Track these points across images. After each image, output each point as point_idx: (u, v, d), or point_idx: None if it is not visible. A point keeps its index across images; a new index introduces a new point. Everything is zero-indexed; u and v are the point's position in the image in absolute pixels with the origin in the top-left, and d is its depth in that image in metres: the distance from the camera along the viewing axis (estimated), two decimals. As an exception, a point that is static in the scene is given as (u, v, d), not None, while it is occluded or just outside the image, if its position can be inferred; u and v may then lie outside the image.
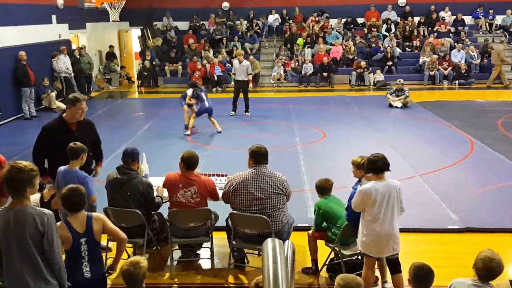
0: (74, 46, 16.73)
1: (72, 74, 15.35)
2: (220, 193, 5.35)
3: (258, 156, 5.03)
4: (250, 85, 13.41)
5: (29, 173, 3.19)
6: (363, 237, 4.47)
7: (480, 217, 6.37)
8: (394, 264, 4.55)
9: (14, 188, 3.17)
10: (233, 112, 13.15)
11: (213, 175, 5.99)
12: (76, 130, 5.45)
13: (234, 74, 12.93)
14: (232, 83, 13.31)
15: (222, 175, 6.01)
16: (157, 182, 5.63)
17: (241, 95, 12.95)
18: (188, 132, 11.08)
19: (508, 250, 5.74)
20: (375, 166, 4.41)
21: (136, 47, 21.45)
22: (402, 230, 5.08)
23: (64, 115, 5.49)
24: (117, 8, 11.96)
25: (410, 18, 20.19)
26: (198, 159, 5.19)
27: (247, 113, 13.05)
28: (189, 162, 5.12)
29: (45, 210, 3.27)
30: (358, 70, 17.77)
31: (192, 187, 5.08)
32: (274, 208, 4.88)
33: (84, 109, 5.48)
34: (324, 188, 5.13)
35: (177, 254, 5.51)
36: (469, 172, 8.24)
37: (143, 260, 3.48)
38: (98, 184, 5.51)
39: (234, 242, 5.07)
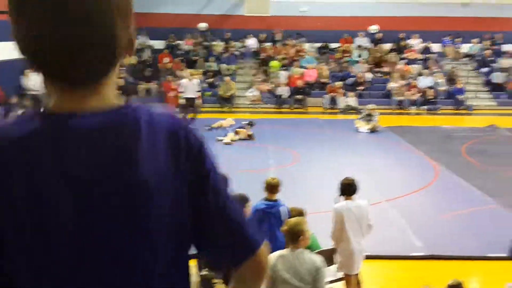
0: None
1: (42, 92, 15.20)
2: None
3: None
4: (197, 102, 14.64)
5: None
6: (340, 257, 4.86)
7: (444, 244, 6.64)
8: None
9: None
10: None
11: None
12: None
13: (182, 92, 13.88)
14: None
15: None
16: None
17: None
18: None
19: (471, 278, 6.01)
20: (349, 189, 4.87)
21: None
22: (369, 257, 5.34)
23: None
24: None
25: (381, 45, 20.87)
26: None
27: None
28: None
29: None
30: (332, 94, 18.21)
31: None
32: None
33: None
34: None
35: None
36: (435, 198, 8.58)
37: None
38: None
39: None
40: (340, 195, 5.00)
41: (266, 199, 5.07)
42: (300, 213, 5.29)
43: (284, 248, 5.07)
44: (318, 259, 3.80)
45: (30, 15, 1.01)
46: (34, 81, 14.95)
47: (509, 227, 7.12)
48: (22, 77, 14.79)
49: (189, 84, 13.66)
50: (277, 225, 4.96)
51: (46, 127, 1.02)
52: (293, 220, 3.89)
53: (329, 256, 5.08)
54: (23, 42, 1.05)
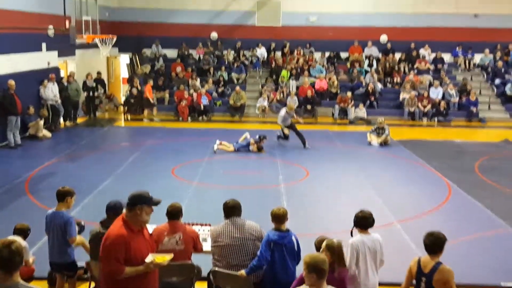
0: (62, 73, 16.80)
1: (59, 101, 15.38)
2: (203, 244, 5.52)
3: (227, 210, 5.31)
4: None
5: (20, 255, 3.13)
6: None
7: (455, 271, 6.56)
8: None
9: (3, 266, 3.09)
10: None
11: (196, 224, 6.14)
12: None
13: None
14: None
15: (206, 225, 6.15)
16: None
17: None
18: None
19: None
20: (365, 223, 4.80)
21: (124, 72, 21.65)
22: (380, 284, 5.31)
23: None
24: (108, 44, 12.19)
25: (391, 54, 20.78)
26: (181, 209, 5.41)
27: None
28: (172, 213, 5.34)
29: (34, 287, 3.26)
30: (341, 104, 18.17)
31: (177, 234, 5.23)
32: (251, 255, 5.07)
33: None
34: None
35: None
36: (446, 220, 8.48)
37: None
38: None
39: (216, 298, 5.20)
40: (355, 227, 4.90)
41: (277, 230, 5.03)
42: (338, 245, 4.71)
43: (294, 277, 5.09)
44: None
45: None
46: (51, 91, 15.09)
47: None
48: (40, 87, 14.93)
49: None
50: (289, 255, 4.98)
51: None
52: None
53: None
54: None
